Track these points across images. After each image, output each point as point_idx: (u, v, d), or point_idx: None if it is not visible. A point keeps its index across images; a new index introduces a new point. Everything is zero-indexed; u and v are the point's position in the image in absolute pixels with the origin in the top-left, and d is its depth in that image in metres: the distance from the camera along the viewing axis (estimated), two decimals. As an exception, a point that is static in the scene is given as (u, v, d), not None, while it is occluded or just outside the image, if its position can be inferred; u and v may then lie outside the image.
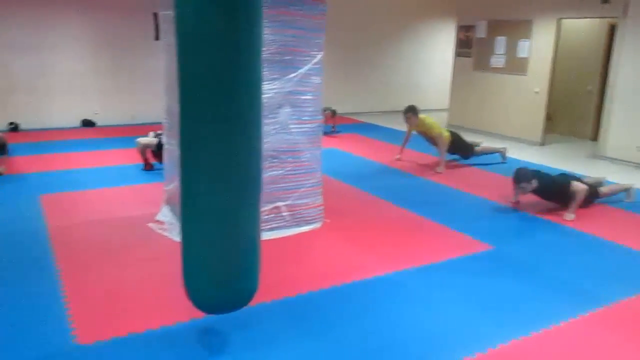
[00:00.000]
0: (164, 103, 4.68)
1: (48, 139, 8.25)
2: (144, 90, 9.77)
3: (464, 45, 10.12)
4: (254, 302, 2.88)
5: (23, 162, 6.60)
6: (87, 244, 4.16)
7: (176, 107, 4.27)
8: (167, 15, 4.31)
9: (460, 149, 7.12)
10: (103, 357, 2.71)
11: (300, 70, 4.12)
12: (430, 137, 6.99)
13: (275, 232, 4.27)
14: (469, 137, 7.67)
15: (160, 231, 4.41)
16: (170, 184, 4.59)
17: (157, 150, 6.22)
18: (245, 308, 2.83)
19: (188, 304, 2.72)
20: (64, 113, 9.36)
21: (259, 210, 2.64)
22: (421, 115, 6.97)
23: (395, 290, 3.52)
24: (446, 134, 6.91)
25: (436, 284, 3.62)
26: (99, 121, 9.63)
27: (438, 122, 7.14)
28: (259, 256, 2.69)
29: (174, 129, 4.40)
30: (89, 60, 9.42)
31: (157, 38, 9.44)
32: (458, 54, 10.34)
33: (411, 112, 6.96)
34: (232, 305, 2.72)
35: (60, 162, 6.76)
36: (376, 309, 3.26)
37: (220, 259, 2.50)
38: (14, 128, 8.76)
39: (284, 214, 4.33)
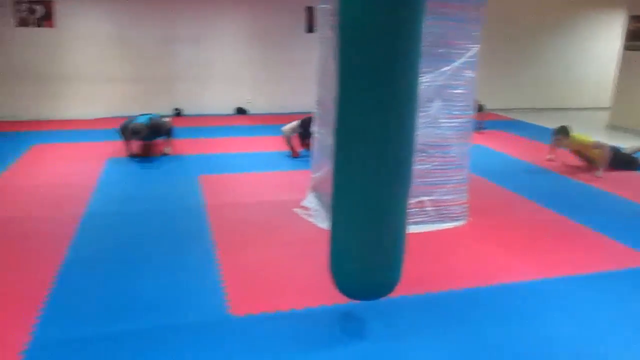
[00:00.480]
0: (316, 93, 4.83)
1: (206, 124, 8.97)
2: (293, 81, 10.22)
3: (635, 37, 9.15)
4: (395, 294, 2.89)
5: (185, 144, 7.24)
6: (239, 222, 4.46)
7: (328, 98, 4.42)
8: (325, 9, 4.44)
9: (622, 164, 6.41)
10: (253, 328, 2.90)
11: (454, 64, 4.02)
12: (586, 157, 6.38)
13: (418, 226, 4.23)
14: (634, 141, 6.94)
15: (305, 216, 4.59)
16: (317, 171, 4.75)
17: (304, 135, 6.46)
18: (386, 298, 2.87)
19: (331, 288, 2.81)
20: (220, 101, 10.11)
21: (407, 204, 2.63)
22: (572, 134, 6.42)
23: (543, 297, 3.31)
24: (606, 149, 6.25)
25: (591, 297, 3.34)
26: (251, 109, 10.25)
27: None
28: (404, 248, 2.69)
29: (325, 119, 4.54)
30: (244, 51, 10.06)
31: (309, 30, 9.82)
32: (627, 48, 9.38)
33: (562, 134, 6.43)
34: (375, 294, 2.76)
35: (216, 146, 7.32)
36: (521, 315, 3.10)
37: (367, 248, 2.54)
38: (178, 113, 9.65)
39: (428, 208, 4.28)
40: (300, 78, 10.16)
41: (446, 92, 4.09)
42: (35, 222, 4.39)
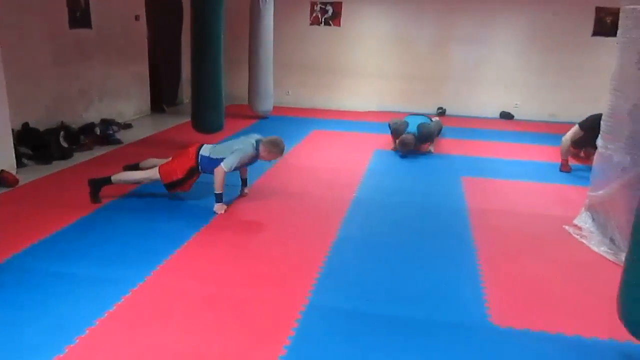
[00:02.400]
0: (608, 104, 4.35)
1: (469, 126, 8.85)
2: (568, 88, 9.43)
3: None
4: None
5: (448, 144, 7.28)
6: (504, 231, 4.31)
7: (624, 109, 3.95)
8: (634, 10, 3.96)
9: None
10: (514, 343, 2.78)
11: None
12: None
13: None
14: None
15: (576, 236, 4.21)
16: (597, 189, 4.30)
17: (584, 142, 5.95)
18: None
19: (607, 320, 2.56)
20: (485, 103, 9.87)
21: None
22: None
23: None
24: None
25: None
26: (517, 115, 9.78)
27: None
28: None
29: (617, 132, 4.08)
30: (518, 54, 9.61)
31: (596, 34, 8.93)
32: None
33: None
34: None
35: (480, 149, 7.17)
36: None
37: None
38: (441, 113, 9.72)
39: None
40: (578, 85, 9.32)
41: None
42: (312, 200, 4.91)
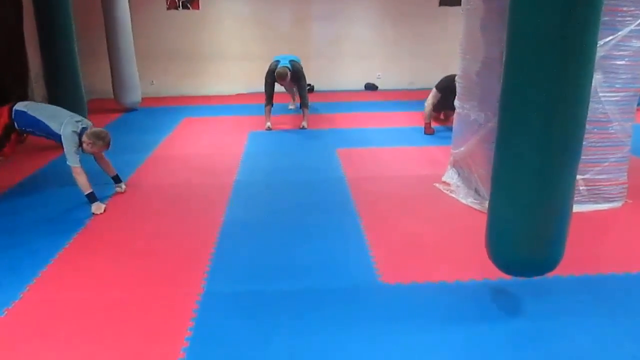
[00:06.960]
0: (460, 68, 4.73)
1: (338, 100, 9.14)
2: (423, 56, 10.06)
3: None
4: (549, 274, 2.81)
5: (320, 119, 7.46)
6: (381, 195, 4.54)
7: (473, 71, 4.32)
8: (474, -22, 4.31)
9: None
10: (404, 296, 2.97)
11: (619, 33, 3.73)
12: None
13: (569, 206, 4.04)
14: None
15: (446, 192, 4.57)
16: (458, 147, 4.68)
17: (442, 104, 6.40)
18: (540, 277, 2.80)
19: (480, 263, 2.80)
20: (350, 77, 10.23)
21: (576, 178, 2.53)
22: None
23: None
24: None
25: None
26: (380, 85, 10.26)
27: None
28: (569, 225, 2.59)
29: (469, 93, 4.45)
30: (374, 27, 10.05)
31: (442, 3, 9.62)
32: None
33: None
34: (534, 270, 2.70)
35: (350, 121, 7.45)
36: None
37: (531, 222, 2.49)
38: (310, 89, 9.90)
39: (581, 188, 4.05)
40: (431, 53, 9.97)
41: (608, 63, 3.81)
42: (193, 188, 4.80)
